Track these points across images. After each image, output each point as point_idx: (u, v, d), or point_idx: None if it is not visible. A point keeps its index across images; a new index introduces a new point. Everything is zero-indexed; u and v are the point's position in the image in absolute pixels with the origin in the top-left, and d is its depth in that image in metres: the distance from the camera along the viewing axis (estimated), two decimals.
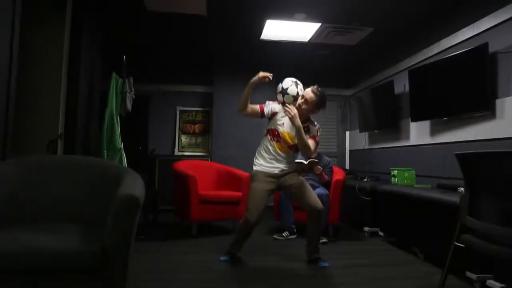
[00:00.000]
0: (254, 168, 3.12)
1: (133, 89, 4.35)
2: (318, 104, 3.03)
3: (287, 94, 2.97)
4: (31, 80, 3.32)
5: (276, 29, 4.75)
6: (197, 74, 6.55)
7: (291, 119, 2.87)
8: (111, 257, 1.70)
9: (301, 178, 3.18)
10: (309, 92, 3.00)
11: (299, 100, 2.99)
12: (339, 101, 6.82)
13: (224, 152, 6.09)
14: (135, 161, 4.34)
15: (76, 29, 3.66)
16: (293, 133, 2.99)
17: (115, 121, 4.00)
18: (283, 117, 3.03)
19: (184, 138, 6.56)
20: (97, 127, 4.33)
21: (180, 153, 6.44)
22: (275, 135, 3.05)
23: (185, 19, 4.47)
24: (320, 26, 4.58)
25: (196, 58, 6.21)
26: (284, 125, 3.02)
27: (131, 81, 4.33)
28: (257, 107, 3.07)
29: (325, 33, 4.80)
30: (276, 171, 3.06)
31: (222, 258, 3.18)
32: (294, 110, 2.88)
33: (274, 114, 3.07)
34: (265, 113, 3.07)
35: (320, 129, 3.17)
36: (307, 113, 3.06)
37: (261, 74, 2.92)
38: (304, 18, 4.38)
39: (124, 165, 3.96)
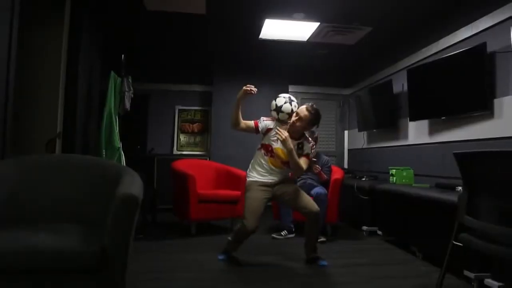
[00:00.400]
0: (248, 179, 3.14)
1: (131, 88, 4.35)
2: (312, 121, 3.04)
3: (281, 112, 2.99)
4: (29, 79, 3.31)
5: (275, 29, 4.75)
6: (196, 73, 6.55)
7: (283, 142, 2.89)
8: (110, 256, 1.71)
9: (295, 185, 3.20)
10: (303, 110, 3.00)
11: (293, 117, 3.00)
12: (338, 100, 6.82)
13: (223, 151, 6.09)
14: (134, 160, 4.33)
15: (75, 29, 3.65)
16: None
17: (114, 120, 3.99)
18: (276, 133, 3.03)
19: (183, 137, 6.56)
20: (95, 126, 4.33)
21: (179, 152, 6.44)
22: (269, 150, 3.06)
23: (184, 18, 4.47)
24: (319, 26, 4.59)
25: (195, 57, 6.21)
26: (278, 141, 3.02)
27: (130, 80, 4.32)
28: (251, 123, 3.09)
29: (324, 32, 4.80)
30: (271, 181, 3.09)
31: (220, 257, 3.19)
32: (285, 134, 2.89)
33: (268, 130, 3.08)
34: (260, 129, 3.09)
35: (314, 145, 3.17)
36: (301, 130, 3.06)
37: (244, 88, 2.93)
38: (303, 17, 4.39)
39: (122, 164, 3.95)
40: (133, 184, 1.93)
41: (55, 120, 3.44)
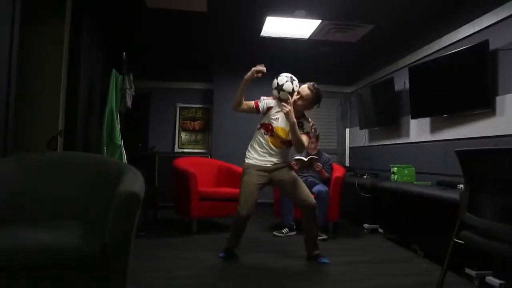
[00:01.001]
0: (246, 161, 3.11)
1: (133, 86, 4.35)
2: (314, 100, 3.04)
3: (283, 90, 2.97)
4: (31, 78, 3.31)
5: (276, 26, 4.74)
6: (197, 71, 6.54)
7: (286, 115, 2.87)
8: (111, 254, 1.71)
9: (294, 173, 3.16)
10: (305, 89, 3.01)
11: (295, 96, 3.00)
12: (339, 98, 6.81)
13: (224, 149, 6.09)
14: (135, 158, 4.34)
15: (76, 27, 3.65)
16: (287, 129, 2.99)
17: (115, 118, 3.99)
18: (277, 112, 3.04)
19: (184, 135, 6.56)
20: (97, 124, 4.33)
21: (180, 150, 6.44)
22: (269, 129, 3.05)
23: (185, 16, 4.46)
24: (321, 23, 4.57)
25: (196, 55, 6.20)
26: (278, 120, 3.02)
27: (131, 78, 4.32)
28: (252, 103, 3.08)
29: (326, 30, 4.79)
30: (269, 165, 3.05)
31: (220, 254, 3.19)
32: (289, 106, 2.88)
33: (269, 108, 3.08)
34: (260, 108, 3.08)
35: (314, 125, 3.17)
36: (302, 109, 3.06)
37: (254, 69, 2.93)
38: (304, 15, 4.37)
39: (124, 162, 3.96)
40: (134, 182, 1.93)
41: (57, 118, 3.44)
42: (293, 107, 2.94)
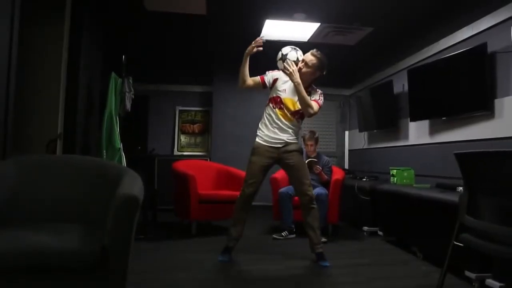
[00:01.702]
0: (257, 140, 3.09)
1: (132, 89, 4.35)
2: (319, 66, 3.04)
3: (287, 59, 2.96)
4: (30, 79, 3.31)
5: (276, 29, 4.75)
6: (196, 74, 6.55)
7: (290, 75, 2.88)
8: (111, 256, 1.71)
9: (303, 161, 3.15)
10: (308, 55, 3.03)
11: (300, 64, 3.00)
12: (339, 100, 6.82)
13: (224, 152, 6.09)
14: (134, 161, 4.33)
15: (75, 29, 3.66)
16: (295, 99, 2.99)
17: (114, 121, 3.99)
18: (284, 83, 3.04)
19: (183, 138, 6.56)
20: (96, 127, 4.33)
21: (180, 153, 6.44)
22: (278, 102, 3.04)
23: (185, 18, 4.48)
24: (320, 26, 4.59)
25: (196, 58, 6.22)
26: (286, 91, 3.02)
27: (130, 81, 4.32)
28: (258, 78, 3.10)
29: (325, 33, 4.80)
30: (279, 145, 3.04)
31: (220, 258, 3.17)
32: (293, 67, 2.89)
33: (275, 81, 3.08)
34: (266, 82, 3.09)
35: (323, 95, 3.13)
36: (309, 77, 3.05)
37: (253, 44, 2.95)
38: (303, 18, 4.39)
39: (123, 165, 3.95)
40: (133, 185, 1.93)
41: (56, 120, 3.44)
42: (300, 76, 2.94)
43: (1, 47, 2.48)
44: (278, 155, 3.05)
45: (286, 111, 3.02)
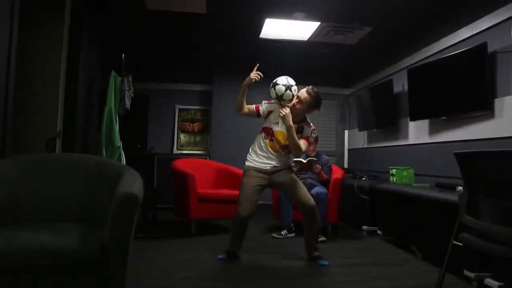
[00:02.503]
0: (247, 163, 3.14)
1: (132, 87, 4.34)
2: (313, 104, 3.05)
3: (283, 100, 2.96)
4: (30, 78, 3.31)
5: (276, 28, 4.75)
6: (196, 73, 6.55)
7: (282, 118, 2.89)
8: (110, 255, 1.71)
9: (293, 175, 3.17)
10: (303, 93, 3.03)
11: (294, 100, 3.01)
12: (338, 100, 6.82)
13: (223, 150, 6.09)
14: (134, 159, 4.33)
15: (75, 28, 3.65)
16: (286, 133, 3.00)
17: (114, 119, 3.99)
18: (278, 116, 3.04)
19: (183, 137, 6.56)
20: (96, 126, 4.33)
21: (179, 152, 6.44)
22: (269, 133, 3.07)
23: (185, 17, 4.47)
24: (320, 25, 4.58)
25: (196, 57, 6.21)
26: (278, 124, 3.03)
27: (130, 79, 4.32)
28: (253, 107, 3.12)
29: (325, 32, 4.80)
30: (268, 167, 3.07)
31: (220, 256, 3.18)
32: (286, 110, 2.90)
33: (269, 112, 3.09)
34: (261, 112, 3.11)
35: (315, 131, 3.17)
36: (302, 113, 3.07)
37: (251, 75, 2.95)
38: (303, 17, 4.38)
39: (123, 163, 3.95)
40: (133, 183, 1.93)
41: (55, 119, 3.44)
42: (292, 111, 2.96)
43: (1, 46, 2.47)
44: (269, 177, 3.08)
45: (275, 143, 3.05)
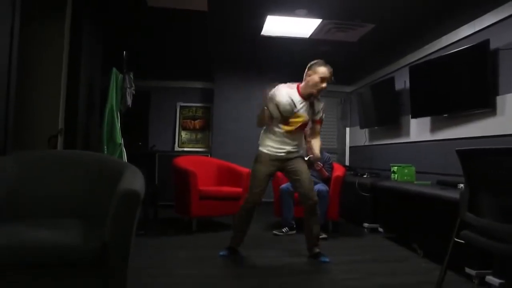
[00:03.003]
0: (260, 148, 3.11)
1: (133, 84, 4.34)
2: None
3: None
4: (31, 75, 3.31)
5: (277, 25, 4.73)
6: (197, 70, 6.54)
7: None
8: (111, 252, 1.71)
9: (306, 166, 3.15)
10: (327, 73, 3.07)
11: (321, 83, 3.03)
12: (340, 97, 6.81)
13: (224, 148, 6.09)
14: (135, 156, 4.34)
15: (76, 25, 3.65)
16: (303, 116, 3.02)
17: (115, 116, 3.99)
18: (288, 103, 3.01)
19: (184, 134, 6.56)
20: (97, 123, 4.33)
21: (180, 149, 6.44)
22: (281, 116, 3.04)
23: (186, 14, 4.46)
24: (321, 22, 4.57)
25: (197, 54, 6.20)
26: (288, 106, 3.00)
27: (131, 76, 4.32)
28: (268, 117, 3.03)
29: (326, 29, 4.78)
30: (282, 153, 3.07)
31: (221, 253, 3.19)
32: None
33: (278, 105, 3.01)
34: (275, 117, 3.03)
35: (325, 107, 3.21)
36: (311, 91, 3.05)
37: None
38: (305, 14, 4.37)
39: (124, 160, 3.96)
40: (134, 180, 1.93)
41: (57, 116, 3.44)
42: (318, 93, 3.03)
43: (2, 43, 2.47)
44: (281, 164, 3.09)
45: (291, 125, 3.02)
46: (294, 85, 3.11)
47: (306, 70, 3.09)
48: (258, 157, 3.10)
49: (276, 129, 3.05)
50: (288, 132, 3.03)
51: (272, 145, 3.07)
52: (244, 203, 3.12)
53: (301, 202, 3.16)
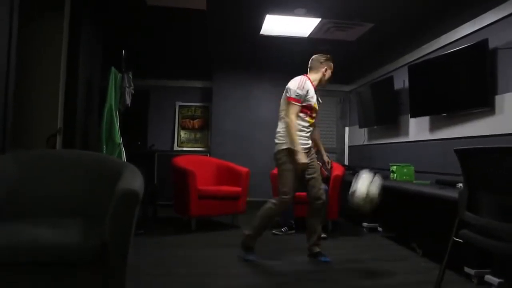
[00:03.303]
0: (289, 146, 3.01)
1: (132, 84, 4.34)
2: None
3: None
4: (30, 75, 3.30)
5: (276, 24, 4.73)
6: (196, 69, 6.53)
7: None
8: (110, 251, 1.71)
9: (319, 166, 3.25)
10: (331, 65, 3.25)
11: (326, 74, 3.21)
12: (339, 96, 6.80)
13: (223, 147, 6.09)
14: (134, 156, 4.34)
15: (75, 24, 3.64)
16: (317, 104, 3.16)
17: (114, 116, 3.99)
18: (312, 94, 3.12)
19: (183, 134, 6.56)
20: (96, 122, 4.33)
21: (179, 149, 6.43)
22: (309, 109, 3.09)
23: (185, 13, 4.45)
24: (320, 21, 4.57)
25: (196, 53, 6.19)
26: (313, 97, 3.11)
27: (130, 76, 4.31)
28: (299, 109, 3.04)
29: (325, 28, 4.78)
30: (309, 146, 3.14)
31: (250, 257, 3.09)
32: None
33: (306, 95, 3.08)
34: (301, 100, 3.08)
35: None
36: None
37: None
38: (304, 13, 4.37)
39: (123, 159, 3.95)
40: (133, 180, 1.93)
41: (56, 115, 3.44)
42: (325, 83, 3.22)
43: (1, 43, 2.47)
44: (308, 157, 3.10)
45: (314, 115, 3.13)
46: (306, 77, 3.17)
47: (319, 63, 3.22)
48: (289, 154, 2.99)
49: (303, 123, 3.08)
50: (311, 125, 3.14)
51: (304, 142, 3.07)
52: (281, 204, 3.03)
53: (310, 201, 3.12)
